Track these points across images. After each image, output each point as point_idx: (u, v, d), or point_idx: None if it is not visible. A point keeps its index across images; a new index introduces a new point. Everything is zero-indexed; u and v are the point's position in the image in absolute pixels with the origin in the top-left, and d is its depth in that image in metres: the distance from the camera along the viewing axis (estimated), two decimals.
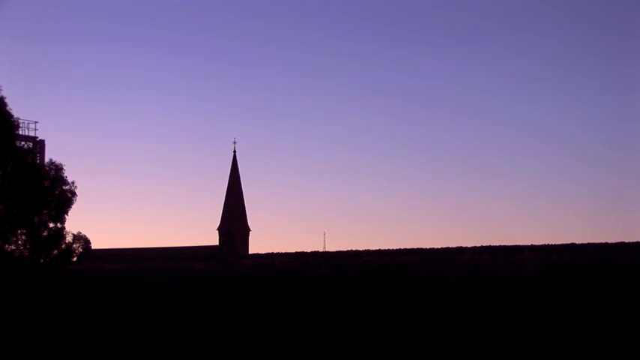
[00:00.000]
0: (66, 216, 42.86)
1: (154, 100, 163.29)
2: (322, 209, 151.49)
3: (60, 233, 42.68)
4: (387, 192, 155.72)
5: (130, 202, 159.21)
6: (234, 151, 77.40)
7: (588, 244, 51.83)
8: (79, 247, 43.63)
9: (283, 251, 59.86)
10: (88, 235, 44.22)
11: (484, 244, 54.88)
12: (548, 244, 53.58)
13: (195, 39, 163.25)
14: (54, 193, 42.11)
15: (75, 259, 43.92)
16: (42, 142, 52.86)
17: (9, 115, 40.85)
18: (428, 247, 55.77)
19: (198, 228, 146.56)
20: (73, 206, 42.91)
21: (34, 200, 41.35)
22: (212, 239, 75.33)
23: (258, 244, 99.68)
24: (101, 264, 57.36)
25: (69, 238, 43.22)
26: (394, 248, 56.80)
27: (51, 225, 42.54)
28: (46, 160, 45.47)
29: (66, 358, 45.72)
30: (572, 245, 52.10)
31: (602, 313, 44.02)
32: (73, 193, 42.72)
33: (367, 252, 56.87)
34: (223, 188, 77.45)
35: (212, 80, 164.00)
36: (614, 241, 51.46)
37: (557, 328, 44.15)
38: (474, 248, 54.43)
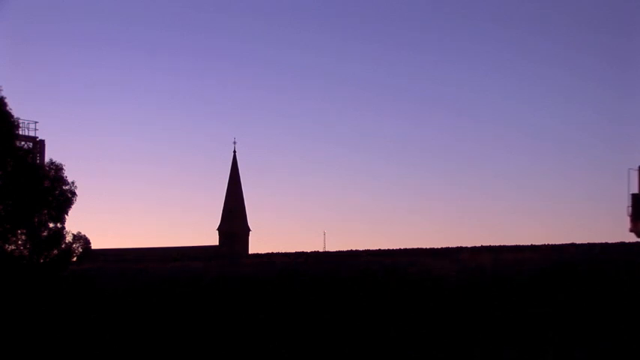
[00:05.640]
0: (66, 216, 42.97)
1: (154, 100, 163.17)
2: (322, 209, 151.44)
3: (60, 233, 42.76)
4: (387, 192, 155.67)
5: (130, 202, 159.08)
6: (234, 151, 77.27)
7: (588, 244, 51.73)
8: (79, 247, 43.71)
9: (283, 251, 59.78)
10: (88, 235, 44.34)
11: (484, 244, 54.80)
12: (548, 244, 53.48)
13: (195, 39, 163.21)
14: (54, 193, 42.18)
15: (75, 259, 43.99)
16: (42, 142, 52.87)
17: (9, 115, 40.94)
18: (428, 247, 55.69)
19: (198, 228, 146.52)
20: (73, 206, 43.03)
21: (34, 200, 41.41)
22: (212, 239, 75.20)
23: (258, 244, 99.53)
24: (101, 264, 57.30)
25: (69, 238, 43.34)
26: (394, 248, 56.72)
27: (51, 225, 42.63)
28: (46, 160, 45.54)
29: (66, 358, 45.70)
30: (572, 245, 52.01)
31: (602, 313, 44.01)
32: (73, 193, 42.81)
33: (367, 252, 56.75)
34: (223, 188, 77.30)
35: (212, 80, 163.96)
36: (614, 241, 51.41)
37: (558, 329, 44.15)
38: (474, 248, 54.33)
